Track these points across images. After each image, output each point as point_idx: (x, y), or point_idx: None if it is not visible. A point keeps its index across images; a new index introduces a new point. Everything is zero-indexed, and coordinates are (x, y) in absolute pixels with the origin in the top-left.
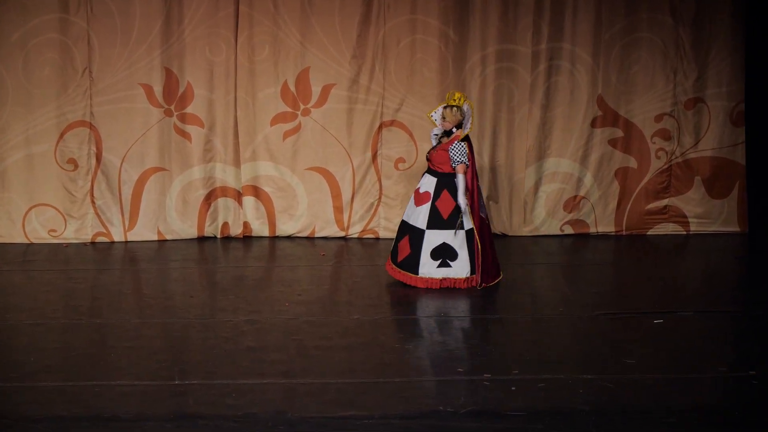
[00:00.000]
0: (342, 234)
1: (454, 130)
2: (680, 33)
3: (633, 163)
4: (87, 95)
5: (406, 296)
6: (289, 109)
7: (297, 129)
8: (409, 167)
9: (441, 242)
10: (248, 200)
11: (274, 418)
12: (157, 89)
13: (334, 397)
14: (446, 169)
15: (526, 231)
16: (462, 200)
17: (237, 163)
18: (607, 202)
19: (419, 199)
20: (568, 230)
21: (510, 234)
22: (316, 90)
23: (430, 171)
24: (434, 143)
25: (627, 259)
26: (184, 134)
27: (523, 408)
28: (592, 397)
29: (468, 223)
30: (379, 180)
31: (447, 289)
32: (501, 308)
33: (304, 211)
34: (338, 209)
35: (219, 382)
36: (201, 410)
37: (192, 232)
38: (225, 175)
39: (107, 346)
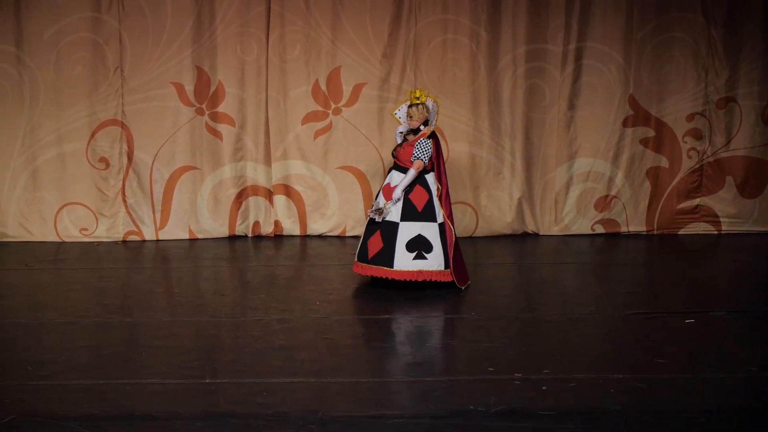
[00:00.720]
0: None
1: (422, 127)
2: (712, 32)
3: (664, 162)
4: (118, 94)
5: (435, 296)
6: (321, 108)
7: (328, 128)
8: None
9: (417, 234)
10: (279, 199)
11: (305, 417)
12: (189, 88)
13: (365, 396)
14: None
15: (556, 230)
16: (399, 193)
17: (268, 161)
18: (639, 201)
19: (390, 193)
20: (599, 229)
21: (541, 233)
22: (347, 89)
23: (398, 168)
24: (399, 141)
25: (658, 258)
26: (215, 133)
27: (554, 407)
28: (623, 397)
29: (440, 217)
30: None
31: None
32: (532, 307)
33: (335, 210)
34: (369, 208)
35: (250, 381)
36: (232, 409)
37: (223, 231)
38: (256, 173)
39: (138, 345)
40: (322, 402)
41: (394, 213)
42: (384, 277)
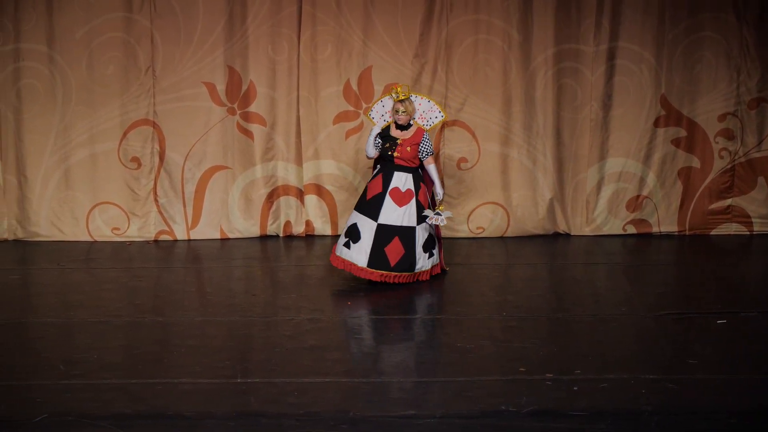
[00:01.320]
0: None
1: (411, 122)
2: (744, 32)
3: (696, 162)
4: (150, 94)
5: (465, 295)
6: (352, 108)
7: (359, 128)
8: (472, 167)
9: (428, 234)
10: (310, 199)
11: (336, 416)
12: (220, 88)
13: (396, 396)
14: (416, 163)
15: (588, 230)
16: (441, 189)
17: (299, 161)
18: (670, 201)
19: (402, 197)
20: (631, 230)
21: (572, 233)
22: (378, 89)
23: (400, 168)
24: (375, 142)
25: (690, 259)
26: (246, 132)
27: (586, 408)
28: (655, 398)
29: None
30: (442, 179)
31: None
32: (563, 308)
33: None
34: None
35: (281, 381)
36: (263, 409)
37: (254, 231)
38: (287, 173)
39: (170, 344)
40: (353, 402)
41: (407, 218)
42: (407, 282)
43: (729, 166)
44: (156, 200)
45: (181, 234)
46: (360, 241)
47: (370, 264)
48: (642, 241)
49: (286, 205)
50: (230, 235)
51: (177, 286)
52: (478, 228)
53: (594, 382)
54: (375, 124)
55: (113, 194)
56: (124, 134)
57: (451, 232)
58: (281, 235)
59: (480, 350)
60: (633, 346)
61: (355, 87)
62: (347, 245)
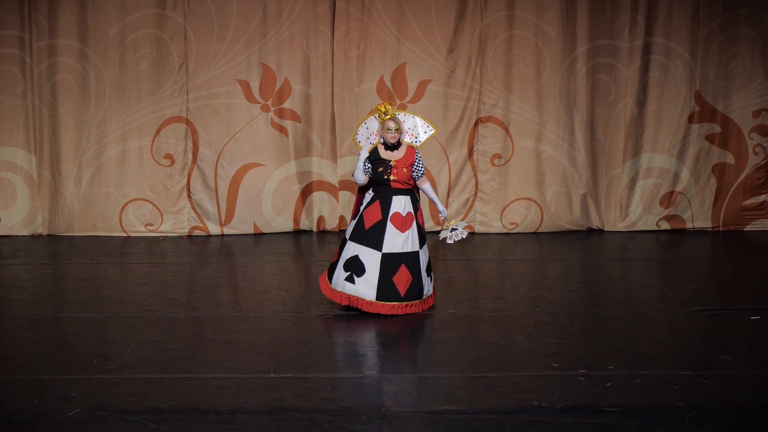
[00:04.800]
0: (438, 229)
1: (400, 140)
2: None
3: (730, 158)
4: (183, 91)
5: (499, 290)
6: None
7: None
8: (505, 162)
9: (429, 257)
10: (344, 194)
11: (369, 411)
12: (254, 85)
13: (430, 391)
14: (412, 184)
15: (621, 226)
16: (443, 207)
17: (333, 157)
18: (704, 197)
19: (403, 223)
20: (665, 226)
21: (605, 229)
22: (412, 86)
23: (398, 191)
24: (365, 167)
25: (724, 255)
26: (281, 129)
27: (619, 404)
28: (688, 394)
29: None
30: (475, 176)
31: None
32: (597, 303)
33: None
34: (434, 204)
35: (314, 376)
36: (296, 403)
37: (288, 226)
38: (321, 169)
39: (203, 339)
40: (386, 397)
41: (410, 243)
42: (418, 312)
43: (763, 162)
44: (189, 196)
45: (214, 229)
46: (365, 274)
47: (379, 297)
48: (676, 237)
49: (320, 201)
50: (264, 231)
51: (210, 281)
52: (511, 223)
53: (627, 378)
54: (362, 148)
55: (147, 190)
56: (158, 131)
57: (484, 228)
58: (314, 230)
59: (513, 346)
60: (666, 342)
61: (388, 83)
62: (350, 279)
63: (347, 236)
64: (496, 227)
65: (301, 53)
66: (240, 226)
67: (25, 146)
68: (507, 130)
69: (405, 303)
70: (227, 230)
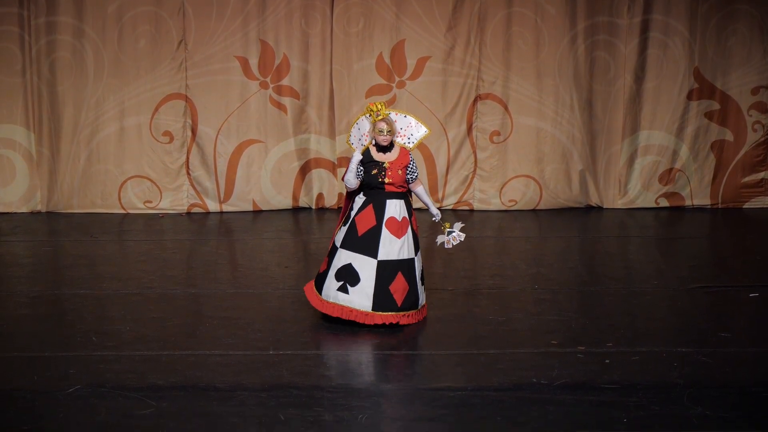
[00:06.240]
0: (437, 206)
1: (393, 141)
2: None
3: (729, 135)
4: (182, 68)
5: (498, 268)
6: (384, 82)
7: (392, 101)
8: (504, 140)
9: (422, 266)
10: (343, 171)
11: (368, 388)
12: (253, 62)
13: (428, 369)
14: (406, 187)
15: (620, 203)
16: (436, 210)
17: (332, 134)
18: (703, 175)
19: (399, 228)
20: (664, 203)
21: (604, 206)
22: (411, 63)
23: (392, 195)
24: (358, 171)
25: (722, 232)
26: (279, 106)
27: (618, 381)
28: (687, 371)
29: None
30: (474, 153)
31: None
32: (596, 281)
33: None
34: (433, 181)
35: (313, 353)
36: (295, 380)
37: (287, 203)
38: (320, 146)
39: (202, 317)
40: (385, 374)
41: (406, 250)
42: (414, 323)
43: (762, 139)
44: (188, 173)
45: (213, 206)
46: (360, 283)
47: (375, 307)
48: (674, 214)
49: (319, 178)
50: (262, 208)
51: (209, 259)
52: (510, 201)
53: (626, 355)
54: (355, 150)
55: (145, 167)
56: (156, 108)
57: (483, 205)
58: (313, 207)
59: (512, 323)
60: (665, 320)
61: (387, 60)
62: (343, 289)
63: (337, 244)
64: (495, 204)
65: (299, 30)
66: (239, 203)
67: (24, 123)
68: (506, 108)
69: (402, 313)
70: (226, 207)
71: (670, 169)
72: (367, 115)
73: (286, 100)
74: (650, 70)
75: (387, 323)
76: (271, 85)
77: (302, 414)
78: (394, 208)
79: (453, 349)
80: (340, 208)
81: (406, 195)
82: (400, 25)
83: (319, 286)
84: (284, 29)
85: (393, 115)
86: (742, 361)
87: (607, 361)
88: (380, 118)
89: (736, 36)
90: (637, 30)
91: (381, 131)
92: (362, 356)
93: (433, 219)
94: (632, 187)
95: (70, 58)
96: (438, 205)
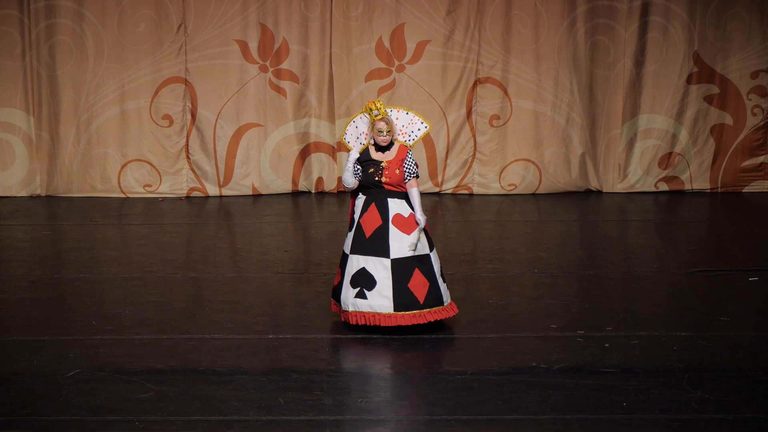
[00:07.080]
0: (436, 190)
1: (394, 141)
2: None
3: (729, 119)
4: (182, 51)
5: (497, 252)
6: (384, 66)
7: (391, 85)
8: (504, 123)
9: (440, 263)
10: (343, 155)
11: (367, 371)
12: (253, 45)
13: (428, 353)
14: (404, 188)
15: (620, 188)
16: (422, 216)
17: (332, 118)
18: (703, 159)
19: (407, 224)
20: (663, 187)
21: (604, 191)
22: (410, 46)
23: (392, 194)
24: (354, 169)
25: (722, 216)
26: (279, 90)
27: (617, 365)
28: (686, 355)
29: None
30: (474, 137)
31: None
32: (595, 265)
33: None
34: (432, 165)
35: (312, 336)
36: (295, 364)
37: (286, 187)
38: (319, 130)
39: (202, 300)
40: (385, 358)
41: (420, 246)
42: (443, 318)
43: (762, 123)
44: (188, 157)
45: (212, 190)
46: (377, 285)
47: (397, 307)
48: (674, 198)
49: (318, 162)
50: (262, 192)
51: (209, 243)
52: (509, 185)
53: (625, 339)
54: (351, 149)
55: (145, 151)
56: (156, 92)
57: (483, 189)
58: (313, 191)
59: (512, 307)
60: (664, 304)
61: (387, 44)
62: (361, 295)
63: (347, 251)
64: (495, 188)
65: (299, 14)
66: (238, 187)
67: (23, 107)
68: (505, 91)
69: (426, 310)
70: (226, 191)
71: (670, 153)
72: (365, 113)
73: (286, 84)
74: (650, 54)
75: (412, 325)
76: (271, 69)
77: (302, 397)
78: (398, 206)
79: (452, 333)
80: (340, 192)
81: (407, 196)
82: (399, 8)
83: (337, 299)
84: (284, 13)
85: (393, 113)
86: (741, 345)
87: (607, 345)
88: (379, 117)
89: (735, 20)
90: (636, 14)
91: (380, 131)
92: (362, 340)
93: (417, 222)
94: (632, 171)
95: (69, 41)
96: (438, 189)
